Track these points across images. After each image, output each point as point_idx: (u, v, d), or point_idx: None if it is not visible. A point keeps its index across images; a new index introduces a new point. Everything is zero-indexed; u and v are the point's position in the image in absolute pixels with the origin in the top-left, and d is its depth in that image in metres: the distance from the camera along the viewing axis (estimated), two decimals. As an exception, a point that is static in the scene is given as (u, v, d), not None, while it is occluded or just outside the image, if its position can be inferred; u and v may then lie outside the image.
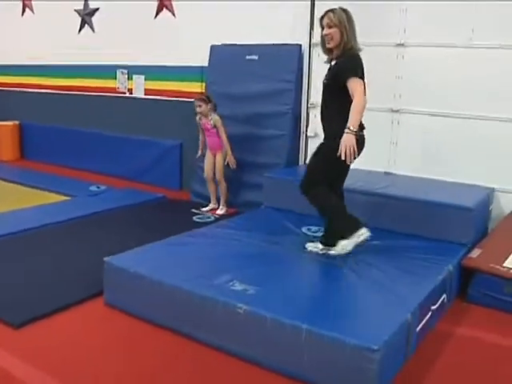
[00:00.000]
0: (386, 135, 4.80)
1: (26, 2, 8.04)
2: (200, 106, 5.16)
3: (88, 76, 7.39)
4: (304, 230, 4.07)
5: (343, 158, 3.10)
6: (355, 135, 3.10)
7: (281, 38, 5.34)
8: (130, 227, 4.79)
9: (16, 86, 8.44)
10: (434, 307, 3.02)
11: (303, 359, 2.50)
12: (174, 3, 6.38)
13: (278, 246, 3.70)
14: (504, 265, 3.40)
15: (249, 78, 5.50)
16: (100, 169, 7.14)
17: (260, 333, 2.63)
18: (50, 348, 2.78)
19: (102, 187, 6.21)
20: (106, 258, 3.30)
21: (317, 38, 5.08)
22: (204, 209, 5.36)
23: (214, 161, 5.29)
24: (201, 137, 5.38)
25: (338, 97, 3.25)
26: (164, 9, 6.46)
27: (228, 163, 5.25)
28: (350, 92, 3.15)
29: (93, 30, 7.29)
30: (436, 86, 4.56)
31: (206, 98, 5.21)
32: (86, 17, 7.30)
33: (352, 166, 3.38)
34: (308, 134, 5.34)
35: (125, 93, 6.99)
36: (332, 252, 3.35)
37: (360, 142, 3.23)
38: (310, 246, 3.66)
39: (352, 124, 3.10)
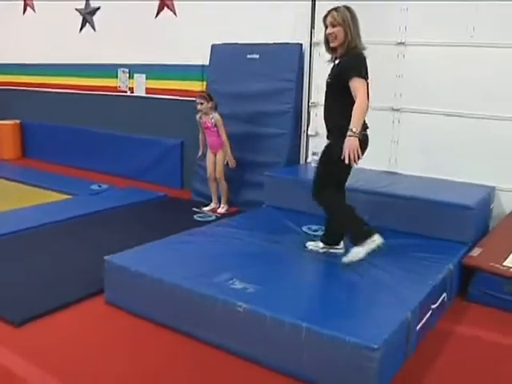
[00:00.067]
0: (386, 134, 4.80)
1: (28, 1, 8.05)
2: (201, 103, 5.16)
3: (89, 75, 7.40)
4: (305, 228, 4.07)
5: (347, 161, 3.05)
6: (358, 137, 3.05)
7: (282, 38, 5.34)
8: (131, 226, 4.79)
9: (17, 85, 8.45)
10: (434, 306, 3.02)
11: (303, 358, 2.51)
12: (175, 2, 6.38)
13: (279, 244, 3.71)
14: (504, 264, 3.40)
15: (250, 77, 5.50)
16: (101, 168, 7.15)
17: (260, 331, 2.63)
18: (50, 346, 2.79)
19: (104, 186, 6.22)
20: (106, 257, 3.31)
21: (317, 38, 5.12)
22: (205, 208, 5.36)
23: (215, 160, 5.29)
24: (201, 136, 5.38)
25: (341, 96, 3.20)
26: (165, 8, 6.46)
27: (228, 162, 5.26)
28: (353, 92, 3.11)
29: (94, 29, 7.30)
30: (436, 84, 4.56)
31: (207, 96, 5.22)
32: (87, 16, 7.31)
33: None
34: (309, 133, 5.34)
35: (126, 92, 7.00)
36: (344, 259, 3.22)
37: (364, 142, 3.20)
38: (311, 245, 3.66)
39: (354, 126, 3.05)
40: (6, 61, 8.48)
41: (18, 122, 8.39)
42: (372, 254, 3.15)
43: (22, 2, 8.09)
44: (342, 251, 3.56)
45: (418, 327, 2.80)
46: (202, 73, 6.06)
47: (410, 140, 4.77)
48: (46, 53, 7.77)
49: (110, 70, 7.09)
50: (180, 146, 6.45)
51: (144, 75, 6.79)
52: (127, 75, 6.95)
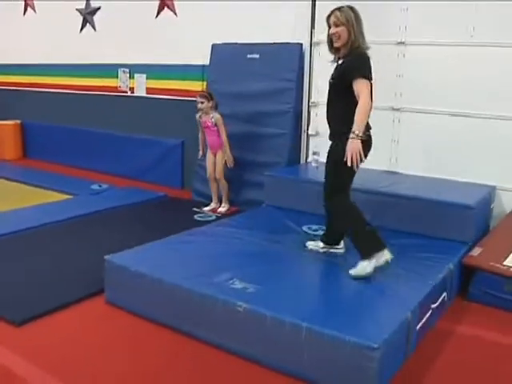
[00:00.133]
0: (387, 134, 4.80)
1: (28, 2, 8.05)
2: (202, 102, 5.16)
3: (90, 75, 7.40)
4: (305, 228, 4.07)
5: (349, 164, 3.01)
6: (361, 139, 3.01)
7: (282, 37, 5.34)
8: (132, 226, 4.80)
9: (18, 85, 8.45)
10: (434, 305, 3.02)
11: (303, 357, 2.51)
12: (175, 2, 6.38)
13: (279, 244, 3.71)
14: (504, 263, 3.40)
15: (250, 77, 5.50)
16: (102, 168, 7.15)
17: (260, 331, 2.63)
18: (50, 346, 2.80)
19: (104, 186, 6.22)
20: (106, 257, 3.31)
21: (318, 38, 5.11)
22: (206, 208, 5.36)
23: (215, 160, 5.29)
24: (201, 136, 5.38)
25: (344, 96, 3.15)
26: (165, 8, 6.46)
27: (226, 162, 5.26)
28: (356, 93, 3.06)
29: (94, 29, 7.30)
30: (436, 84, 4.56)
31: (208, 95, 5.22)
32: (88, 16, 7.31)
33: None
34: (309, 133, 5.34)
35: (126, 92, 7.00)
36: (351, 272, 3.11)
37: (367, 144, 3.15)
38: (311, 245, 3.66)
39: (357, 128, 3.00)
40: (7, 61, 8.49)
41: (18, 122, 8.40)
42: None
43: (23, 3, 8.10)
44: (342, 251, 3.57)
45: (418, 327, 2.80)
46: (203, 73, 6.06)
47: (410, 140, 4.76)
48: (46, 53, 7.78)
49: (110, 70, 7.09)
50: (180, 146, 6.45)
51: (144, 75, 6.79)
52: (128, 75, 6.95)
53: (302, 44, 5.27)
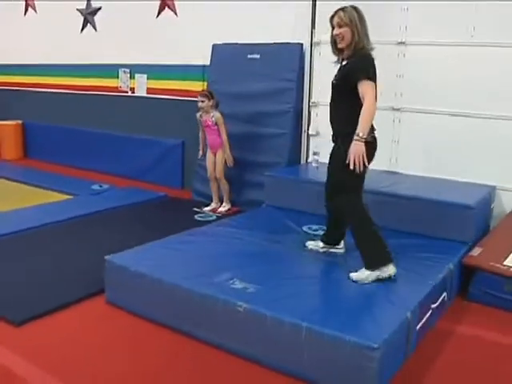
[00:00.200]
0: (387, 134, 4.79)
1: (29, 2, 8.06)
2: (203, 101, 5.16)
3: (90, 75, 7.41)
4: (305, 228, 4.07)
5: (351, 167, 2.95)
6: (365, 142, 2.95)
7: (282, 37, 5.34)
8: (132, 226, 4.80)
9: (19, 86, 8.46)
10: (434, 305, 3.02)
11: (303, 357, 2.51)
12: (176, 2, 6.38)
13: (279, 244, 3.71)
14: (504, 263, 3.40)
15: (250, 77, 5.50)
16: (102, 168, 7.16)
17: (260, 331, 2.64)
18: (50, 346, 2.80)
19: (105, 186, 6.23)
20: (107, 257, 3.31)
21: (318, 37, 5.12)
22: (206, 208, 5.36)
23: (215, 160, 5.29)
24: (201, 135, 5.38)
25: (349, 98, 3.10)
26: (166, 8, 6.46)
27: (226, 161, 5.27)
28: (361, 95, 3.01)
29: (95, 30, 7.31)
30: (437, 84, 4.56)
31: (208, 94, 5.22)
32: (89, 16, 7.32)
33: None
34: (309, 133, 5.34)
35: (127, 92, 7.00)
36: (352, 276, 3.07)
37: (371, 146, 3.10)
38: (311, 245, 3.66)
39: (361, 130, 2.95)
40: (8, 61, 8.50)
41: (19, 122, 8.41)
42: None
43: (24, 3, 8.11)
44: (342, 251, 3.57)
45: (417, 327, 2.80)
46: (203, 73, 6.07)
47: (410, 140, 4.76)
48: (47, 53, 7.79)
49: (111, 70, 7.09)
50: (181, 146, 6.45)
51: (145, 75, 6.79)
52: (128, 75, 6.96)
53: (302, 44, 5.27)
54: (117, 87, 7.09)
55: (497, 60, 4.30)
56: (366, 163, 3.00)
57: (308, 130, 5.36)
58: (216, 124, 5.18)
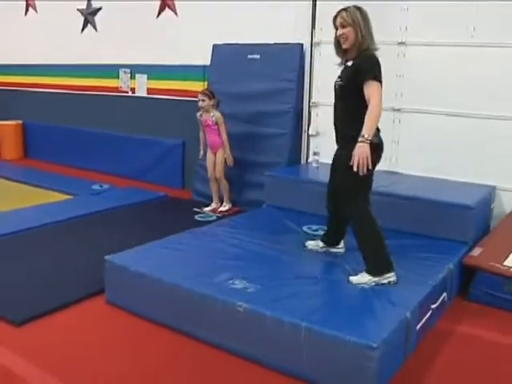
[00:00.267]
0: (387, 134, 4.72)
1: (30, 2, 8.07)
2: (203, 100, 5.16)
3: (91, 75, 7.41)
4: (305, 228, 4.07)
5: (355, 169, 2.88)
6: (370, 142, 2.89)
7: (282, 38, 5.35)
8: (132, 226, 4.80)
9: (19, 86, 8.47)
10: (434, 306, 3.02)
11: (302, 357, 2.51)
12: (176, 2, 6.39)
13: (279, 244, 3.71)
14: (504, 263, 3.40)
15: (250, 77, 5.50)
16: (103, 168, 7.16)
17: (260, 331, 2.64)
18: (50, 346, 2.80)
19: (105, 186, 6.23)
20: (107, 257, 3.31)
21: (318, 38, 5.12)
22: (206, 208, 5.36)
23: (215, 160, 5.29)
24: (201, 135, 5.37)
25: (355, 99, 3.04)
26: (166, 8, 6.47)
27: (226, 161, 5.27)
28: (366, 96, 2.97)
29: (95, 30, 7.31)
30: (437, 84, 4.56)
31: (209, 93, 5.21)
32: (89, 16, 7.32)
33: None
34: (310, 133, 5.34)
35: (127, 92, 7.01)
36: (352, 279, 3.06)
37: (377, 149, 3.06)
38: (311, 245, 3.66)
39: (367, 132, 2.89)
40: (8, 61, 8.50)
41: (19, 122, 8.41)
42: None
43: (24, 3, 8.12)
44: (342, 251, 3.57)
45: (417, 327, 2.80)
46: (204, 73, 6.07)
47: (410, 140, 4.76)
48: (47, 53, 7.79)
49: (111, 70, 7.09)
50: (181, 146, 6.45)
51: (145, 75, 6.80)
52: (129, 75, 6.96)
53: (302, 44, 5.27)
54: (117, 87, 7.09)
55: (497, 60, 4.30)
56: (370, 166, 2.92)
57: (308, 130, 5.36)
58: (216, 124, 5.18)
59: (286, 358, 2.57)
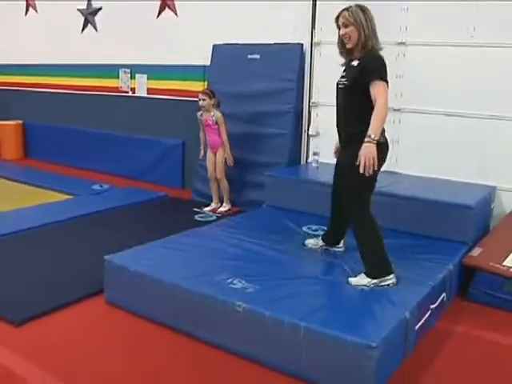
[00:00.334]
0: (387, 134, 4.78)
1: (30, 2, 8.07)
2: (204, 99, 5.16)
3: (91, 75, 7.41)
4: (305, 228, 4.07)
5: (361, 170, 2.83)
6: (377, 142, 2.84)
7: (282, 38, 5.34)
8: (132, 226, 4.80)
9: (19, 86, 8.47)
10: (433, 306, 3.02)
11: (302, 357, 2.51)
12: (176, 3, 6.39)
13: (279, 244, 3.71)
14: (504, 263, 3.40)
15: (250, 77, 5.51)
16: (103, 168, 7.16)
17: (259, 331, 2.64)
18: (50, 346, 2.80)
19: (105, 186, 6.23)
20: (106, 257, 3.32)
21: (318, 38, 5.12)
22: (206, 208, 5.36)
23: (215, 160, 5.29)
24: (201, 135, 5.37)
25: (361, 99, 2.98)
26: (166, 8, 6.47)
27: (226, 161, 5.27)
28: (372, 96, 2.91)
29: (96, 30, 7.31)
30: (437, 84, 4.56)
31: (210, 93, 5.21)
32: (89, 16, 7.32)
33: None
34: (310, 133, 5.34)
35: (127, 92, 7.01)
36: (351, 281, 3.05)
37: (383, 150, 3.01)
38: (310, 243, 3.67)
39: (373, 132, 2.83)
40: (9, 61, 8.50)
41: (20, 122, 8.41)
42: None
43: (24, 3, 8.12)
44: (341, 250, 3.57)
45: (416, 327, 2.80)
46: (204, 73, 6.07)
47: (410, 140, 4.76)
48: (47, 53, 7.79)
49: (111, 70, 7.09)
50: (181, 146, 6.45)
51: (145, 75, 6.80)
52: (129, 75, 6.96)
53: (302, 44, 5.27)
54: (117, 87, 7.09)
55: (497, 60, 4.30)
56: (376, 166, 2.88)
57: (308, 130, 5.36)
58: (216, 123, 5.18)
59: (286, 357, 2.58)
